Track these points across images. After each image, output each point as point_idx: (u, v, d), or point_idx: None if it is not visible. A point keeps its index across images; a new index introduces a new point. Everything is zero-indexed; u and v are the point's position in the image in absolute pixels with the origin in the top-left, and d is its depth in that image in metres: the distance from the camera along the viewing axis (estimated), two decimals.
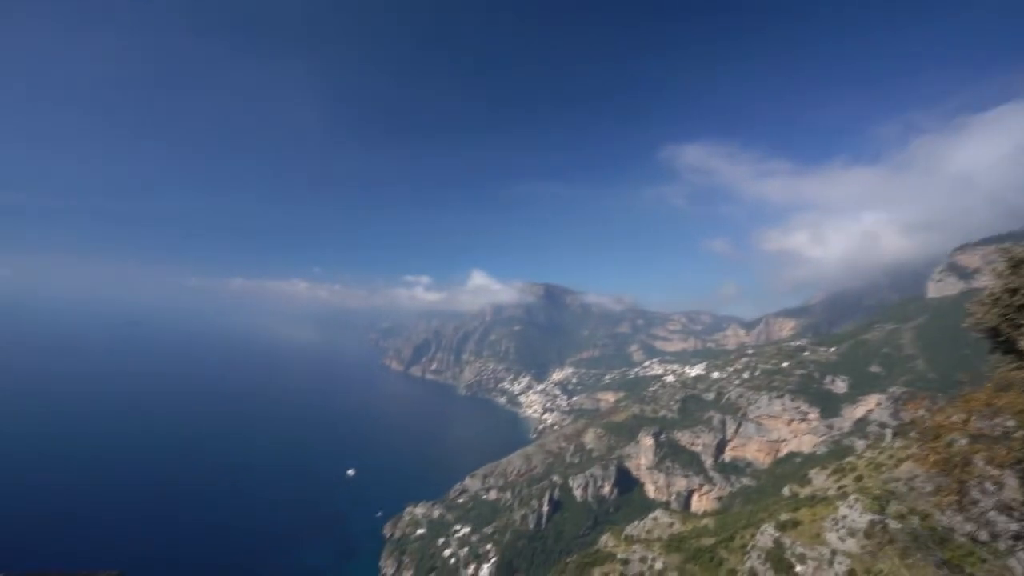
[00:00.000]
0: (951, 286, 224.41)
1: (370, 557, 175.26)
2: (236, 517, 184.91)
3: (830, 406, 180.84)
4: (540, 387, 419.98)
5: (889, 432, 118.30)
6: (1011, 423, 9.42)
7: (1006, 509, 9.71)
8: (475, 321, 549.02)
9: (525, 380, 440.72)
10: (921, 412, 10.02)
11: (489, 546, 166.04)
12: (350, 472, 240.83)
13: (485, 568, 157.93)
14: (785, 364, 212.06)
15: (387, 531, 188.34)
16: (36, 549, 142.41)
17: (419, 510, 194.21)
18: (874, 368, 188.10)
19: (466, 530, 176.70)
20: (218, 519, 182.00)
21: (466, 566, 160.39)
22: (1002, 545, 9.68)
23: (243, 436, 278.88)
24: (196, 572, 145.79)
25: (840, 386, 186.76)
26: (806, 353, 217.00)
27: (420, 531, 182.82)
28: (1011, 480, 9.40)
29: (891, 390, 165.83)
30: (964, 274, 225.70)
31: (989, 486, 9.79)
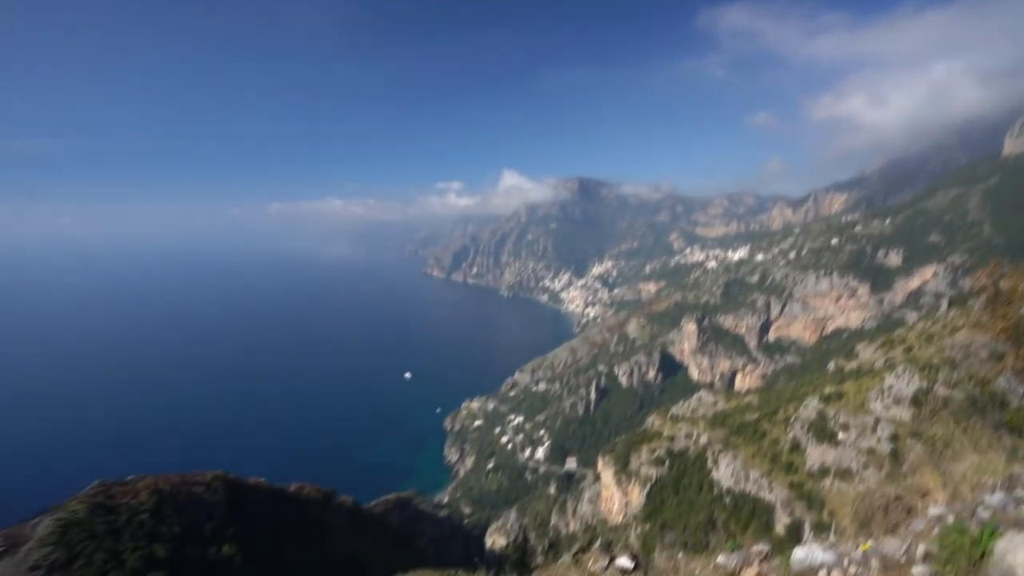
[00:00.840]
0: None
1: (435, 448, 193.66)
2: (310, 421, 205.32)
3: (882, 280, 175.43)
4: (581, 282, 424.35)
5: (945, 302, 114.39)
6: None
7: None
8: (511, 223, 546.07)
9: (565, 277, 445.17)
10: (991, 279, 9.40)
11: (542, 432, 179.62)
12: (407, 375, 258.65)
13: (540, 451, 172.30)
14: (835, 241, 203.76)
15: (447, 424, 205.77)
16: (148, 456, 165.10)
17: (475, 404, 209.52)
18: (933, 238, 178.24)
19: (520, 419, 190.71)
20: (295, 424, 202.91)
21: (522, 450, 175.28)
22: None
23: (305, 351, 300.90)
24: (284, 469, 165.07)
25: (894, 259, 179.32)
26: (858, 228, 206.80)
27: (478, 423, 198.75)
28: None
29: (950, 259, 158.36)
30: None
31: None
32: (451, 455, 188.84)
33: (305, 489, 77.29)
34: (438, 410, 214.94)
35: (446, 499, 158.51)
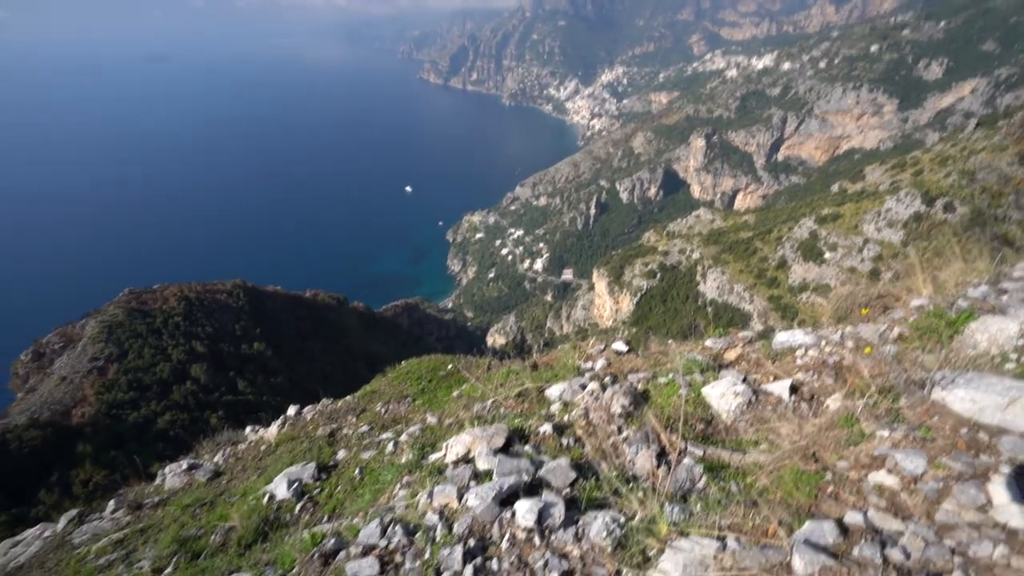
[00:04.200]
0: None
1: (439, 258, 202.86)
2: (315, 235, 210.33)
3: (914, 96, 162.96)
4: (588, 91, 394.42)
5: (972, 122, 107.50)
6: None
7: None
8: (514, 19, 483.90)
9: (572, 84, 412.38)
10: None
11: (541, 245, 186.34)
12: (408, 188, 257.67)
13: (539, 262, 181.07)
14: (874, 48, 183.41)
15: (449, 237, 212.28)
16: (160, 269, 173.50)
17: (476, 218, 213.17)
18: (987, 46, 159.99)
19: (520, 232, 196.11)
20: (300, 238, 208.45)
21: (522, 262, 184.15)
22: None
23: (301, 165, 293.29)
24: (295, 280, 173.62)
25: (935, 71, 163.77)
26: (906, 31, 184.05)
27: (479, 235, 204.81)
28: None
29: (998, 72, 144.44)
30: None
31: None
32: (454, 265, 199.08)
33: (319, 295, 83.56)
34: (440, 223, 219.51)
35: (450, 305, 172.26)
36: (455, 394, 7.81)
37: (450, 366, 10.15)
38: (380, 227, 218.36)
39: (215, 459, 9.26)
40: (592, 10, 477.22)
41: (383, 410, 8.90)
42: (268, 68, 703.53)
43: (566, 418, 4.55)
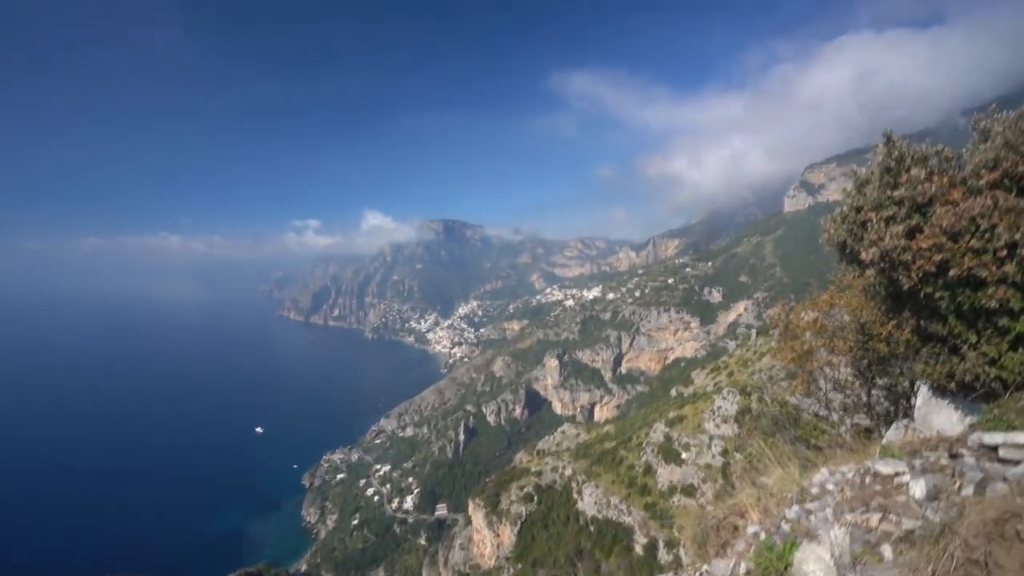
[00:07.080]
0: (802, 201, 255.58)
1: (292, 508, 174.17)
2: (151, 490, 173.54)
3: (708, 314, 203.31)
4: (447, 323, 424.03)
5: (753, 332, 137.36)
6: (846, 319, 11.15)
7: (840, 387, 11.84)
8: (375, 263, 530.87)
9: (431, 317, 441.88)
10: (781, 314, 11.63)
11: (411, 479, 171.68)
12: (258, 430, 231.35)
13: (409, 500, 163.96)
14: (670, 280, 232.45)
15: (306, 481, 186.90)
16: None
17: (337, 456, 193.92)
18: (743, 278, 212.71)
19: (386, 468, 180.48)
20: (133, 494, 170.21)
21: (390, 502, 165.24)
22: (835, 416, 11.88)
23: (140, 408, 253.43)
24: (106, 557, 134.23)
25: (716, 296, 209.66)
26: (688, 269, 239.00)
27: (340, 476, 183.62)
28: (844, 365, 11.37)
29: (756, 296, 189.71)
30: (812, 190, 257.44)
31: (828, 371, 11.82)
32: (310, 515, 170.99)
33: None
34: (295, 466, 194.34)
35: (304, 567, 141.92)
36: None
37: None
38: (222, 477, 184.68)
39: None
40: (446, 255, 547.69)
41: None
42: (105, 304, 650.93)
43: None
